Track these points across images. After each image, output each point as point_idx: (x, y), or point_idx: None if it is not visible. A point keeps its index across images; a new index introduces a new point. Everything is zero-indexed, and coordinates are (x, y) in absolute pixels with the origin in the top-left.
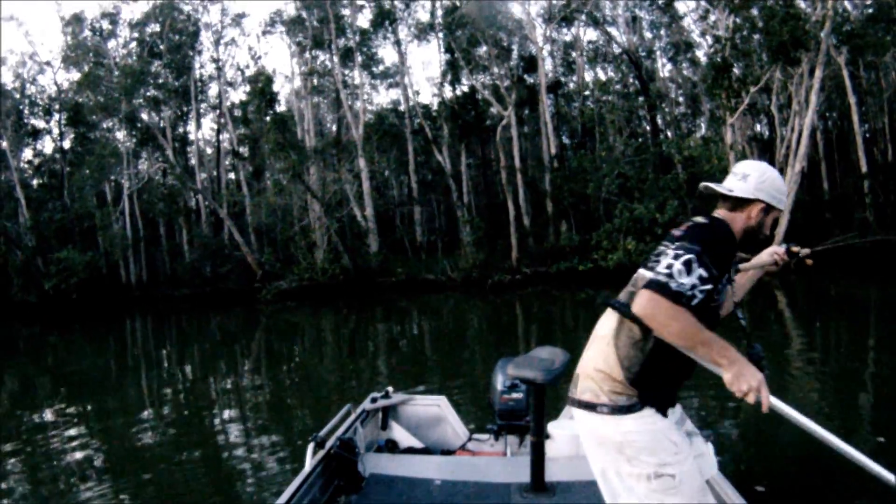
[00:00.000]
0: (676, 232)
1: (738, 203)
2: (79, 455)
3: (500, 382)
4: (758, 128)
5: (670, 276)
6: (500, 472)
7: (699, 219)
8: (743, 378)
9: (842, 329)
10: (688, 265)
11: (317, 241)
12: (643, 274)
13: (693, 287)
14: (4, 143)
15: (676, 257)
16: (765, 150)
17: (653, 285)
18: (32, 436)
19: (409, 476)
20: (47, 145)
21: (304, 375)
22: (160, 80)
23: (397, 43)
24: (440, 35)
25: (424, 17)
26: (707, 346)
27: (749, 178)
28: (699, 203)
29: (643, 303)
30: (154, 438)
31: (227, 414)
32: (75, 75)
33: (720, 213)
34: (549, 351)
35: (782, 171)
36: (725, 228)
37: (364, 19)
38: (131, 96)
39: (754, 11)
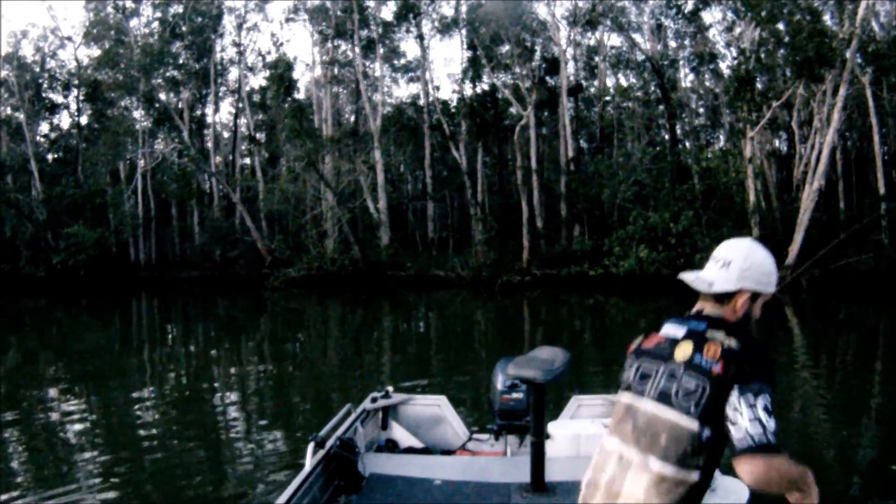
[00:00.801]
0: (713, 365)
1: (722, 297)
2: (78, 435)
3: (500, 382)
4: (776, 143)
5: (767, 432)
6: (500, 472)
7: (732, 344)
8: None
9: (849, 352)
10: (768, 411)
11: (328, 231)
12: (674, 418)
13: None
14: (21, 116)
15: (759, 408)
16: (783, 165)
17: (761, 450)
18: (32, 409)
19: (409, 476)
20: (64, 120)
21: (307, 369)
22: (180, 61)
23: (420, 37)
24: (463, 31)
25: (449, 12)
26: (809, 486)
27: (731, 266)
28: (714, 216)
29: (758, 472)
30: (154, 424)
31: (228, 404)
32: (96, 51)
33: (707, 308)
34: (550, 351)
35: (800, 189)
36: (764, 346)
37: (388, 11)
38: (150, 75)
39: (780, 26)
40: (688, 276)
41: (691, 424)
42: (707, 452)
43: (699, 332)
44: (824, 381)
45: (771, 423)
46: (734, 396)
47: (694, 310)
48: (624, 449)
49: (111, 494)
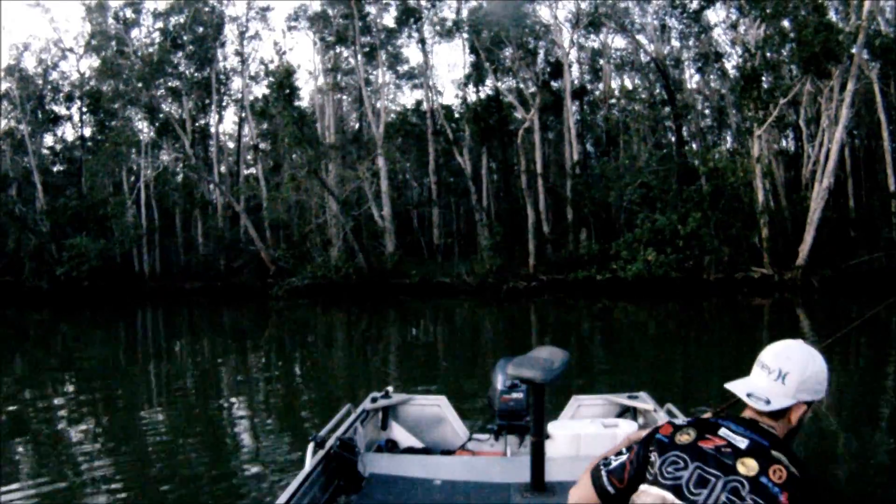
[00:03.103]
0: (779, 493)
1: (779, 412)
2: (82, 442)
3: (500, 382)
4: (784, 143)
5: None
6: (500, 472)
7: (796, 472)
8: None
9: (860, 353)
10: None
11: (332, 239)
12: None
13: None
14: (24, 128)
15: None
16: (791, 164)
17: None
18: (38, 419)
19: (409, 476)
20: (68, 132)
21: (311, 377)
22: (181, 71)
23: (422, 41)
24: (465, 35)
25: (450, 15)
26: None
27: (788, 379)
28: (722, 217)
29: None
30: (158, 430)
31: (232, 412)
32: (97, 63)
33: (763, 420)
34: (549, 351)
35: (808, 188)
36: (820, 479)
37: (390, 18)
38: (149, 85)
39: (786, 23)
40: (738, 390)
41: None
42: None
43: (763, 448)
44: (835, 383)
45: None
46: None
47: (747, 415)
48: None
49: (115, 495)
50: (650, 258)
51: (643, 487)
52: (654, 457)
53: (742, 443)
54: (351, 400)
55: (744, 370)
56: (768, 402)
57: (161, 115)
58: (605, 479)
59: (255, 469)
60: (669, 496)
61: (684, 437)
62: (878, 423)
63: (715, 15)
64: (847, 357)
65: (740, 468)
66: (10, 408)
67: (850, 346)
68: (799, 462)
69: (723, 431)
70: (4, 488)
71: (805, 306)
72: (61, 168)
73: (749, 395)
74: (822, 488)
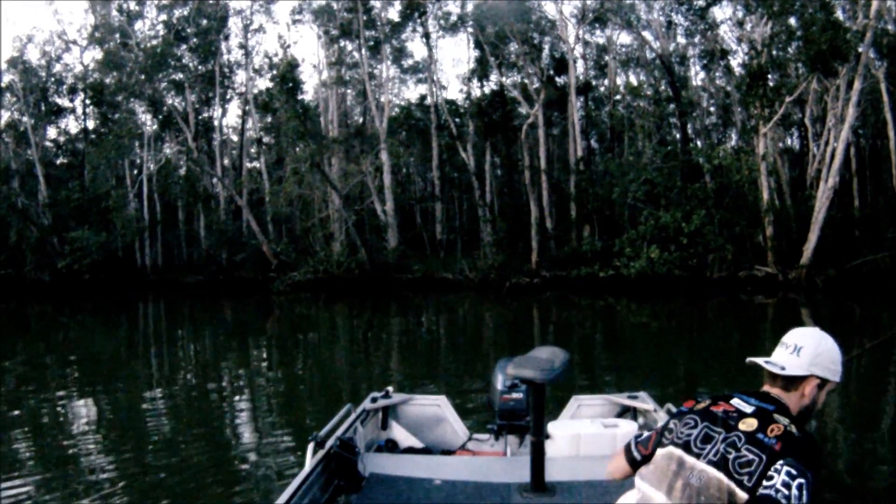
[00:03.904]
0: (773, 443)
1: (791, 381)
2: (81, 436)
3: (500, 382)
4: (789, 141)
5: (793, 499)
6: (500, 472)
7: (794, 430)
8: None
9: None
10: (801, 490)
11: (334, 234)
12: (728, 486)
13: None
14: (26, 120)
15: (791, 477)
16: (796, 163)
17: None
18: (39, 412)
19: (409, 476)
20: (71, 125)
21: (312, 371)
22: (184, 64)
23: (426, 36)
24: (469, 30)
25: (455, 9)
26: None
27: (803, 352)
28: (726, 215)
29: None
30: (157, 426)
31: (232, 407)
32: (100, 55)
33: (774, 391)
34: (549, 351)
35: (813, 187)
36: (818, 446)
37: (394, 12)
38: (152, 78)
39: (792, 21)
40: (759, 360)
41: (742, 496)
42: None
43: (767, 411)
44: (839, 388)
45: (804, 498)
46: (780, 463)
47: (763, 389)
48: None
49: (113, 494)
50: (653, 256)
51: (659, 450)
52: (672, 424)
53: (748, 408)
54: (351, 397)
55: (745, 371)
56: (783, 368)
57: (164, 108)
58: (633, 448)
59: (254, 468)
60: (678, 451)
61: (700, 405)
62: (879, 424)
63: (721, 12)
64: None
65: (741, 426)
66: (10, 399)
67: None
68: (801, 428)
69: (734, 400)
70: (3, 480)
71: (809, 306)
72: (64, 161)
73: (767, 363)
74: (813, 448)
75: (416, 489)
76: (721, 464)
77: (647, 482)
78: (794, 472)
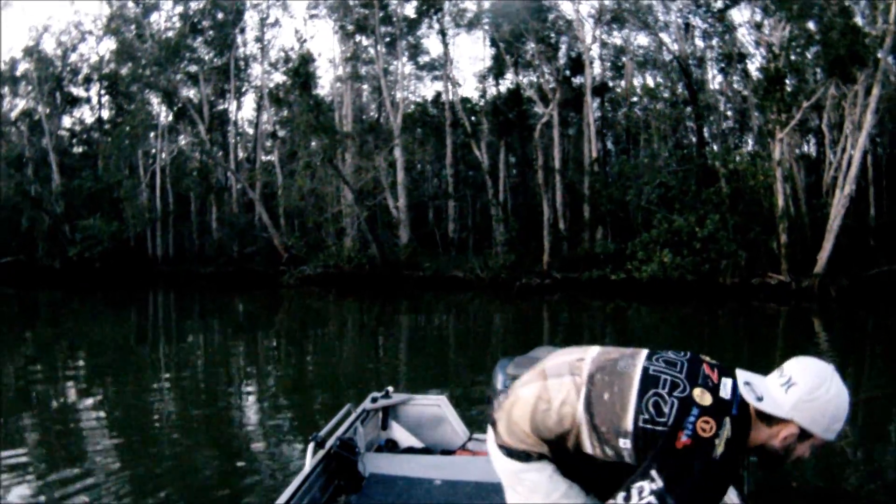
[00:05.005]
0: (684, 439)
1: (770, 416)
2: (84, 428)
3: (500, 382)
4: (805, 148)
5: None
6: None
7: (722, 448)
8: None
9: (875, 366)
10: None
11: (346, 229)
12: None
13: None
14: (41, 109)
15: (654, 488)
16: (812, 170)
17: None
18: (46, 400)
19: (409, 476)
20: (86, 114)
21: (318, 369)
22: (199, 56)
23: (442, 33)
24: (485, 27)
25: (472, 7)
26: None
27: (792, 390)
28: (741, 220)
29: None
30: (161, 420)
31: (235, 404)
32: (115, 45)
33: (752, 407)
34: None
35: (829, 194)
36: (722, 467)
37: (410, 8)
38: (165, 69)
39: (811, 25)
40: (742, 376)
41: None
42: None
43: (725, 404)
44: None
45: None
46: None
47: (742, 379)
48: None
49: (112, 489)
50: (666, 260)
51: None
52: None
53: (725, 390)
54: (356, 396)
55: None
56: (761, 399)
57: (178, 100)
58: None
59: (255, 468)
60: None
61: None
62: (891, 437)
63: (739, 14)
64: (860, 368)
65: (695, 393)
66: (18, 385)
67: (865, 358)
68: (733, 448)
69: (732, 378)
70: (8, 459)
71: (821, 315)
72: (79, 150)
73: (747, 384)
74: (703, 473)
75: (416, 489)
76: (645, 414)
77: None
78: (655, 477)
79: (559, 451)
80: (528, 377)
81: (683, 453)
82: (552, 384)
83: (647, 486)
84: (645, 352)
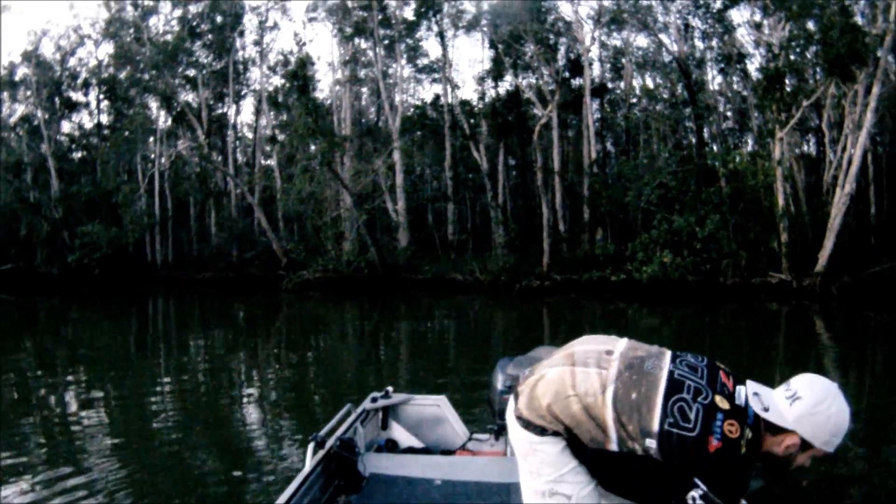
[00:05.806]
0: (715, 443)
1: (774, 426)
2: (84, 432)
3: (500, 382)
4: (805, 147)
5: None
6: (500, 472)
7: (744, 449)
8: None
9: (877, 365)
10: None
11: (345, 233)
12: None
13: None
14: (39, 114)
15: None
16: (812, 169)
17: None
18: (45, 405)
19: (409, 476)
20: (85, 119)
21: (317, 372)
22: (197, 60)
23: (440, 35)
24: (484, 29)
25: (471, 9)
26: None
27: (797, 404)
28: (741, 220)
29: None
30: (159, 423)
31: (235, 406)
32: (114, 49)
33: (764, 416)
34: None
35: (829, 193)
36: (741, 471)
37: (409, 10)
38: (162, 73)
39: (810, 24)
40: (751, 387)
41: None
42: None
43: (741, 411)
44: (852, 397)
45: None
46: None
47: (751, 390)
48: None
49: (112, 491)
50: (666, 260)
51: None
52: None
53: (745, 398)
54: (357, 398)
55: (756, 379)
56: (767, 409)
57: (177, 104)
58: None
59: (255, 468)
60: None
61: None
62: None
63: (739, 14)
64: (862, 367)
65: (717, 400)
66: (16, 392)
67: (867, 356)
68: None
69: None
70: (4, 473)
71: (823, 314)
72: (78, 155)
73: (755, 394)
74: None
75: (416, 489)
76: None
77: None
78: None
79: (572, 436)
80: (556, 358)
81: (717, 456)
82: (579, 373)
83: (694, 493)
84: (669, 353)
